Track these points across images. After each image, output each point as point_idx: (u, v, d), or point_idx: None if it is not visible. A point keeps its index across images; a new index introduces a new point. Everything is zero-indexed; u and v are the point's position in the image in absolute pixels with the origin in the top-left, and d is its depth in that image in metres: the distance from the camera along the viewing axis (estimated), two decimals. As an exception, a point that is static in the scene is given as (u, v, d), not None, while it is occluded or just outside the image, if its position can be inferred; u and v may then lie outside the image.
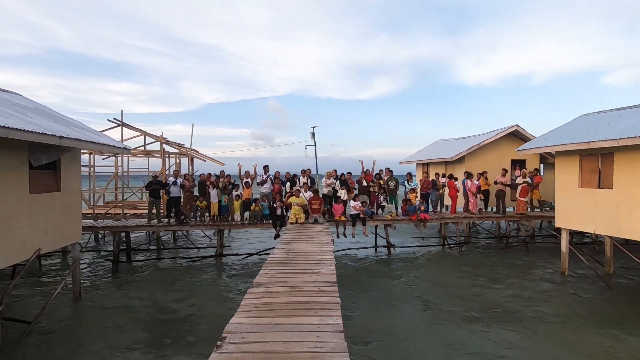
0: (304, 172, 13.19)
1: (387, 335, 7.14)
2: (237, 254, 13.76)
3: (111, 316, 8.16)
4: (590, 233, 12.50)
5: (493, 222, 17.95)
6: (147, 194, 12.91)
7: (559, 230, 11.69)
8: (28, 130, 6.07)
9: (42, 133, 6.39)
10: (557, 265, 11.62)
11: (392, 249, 13.65)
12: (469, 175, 14.25)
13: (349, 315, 7.85)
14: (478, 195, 14.00)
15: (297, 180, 13.01)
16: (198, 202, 12.35)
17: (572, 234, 12.14)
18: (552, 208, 16.25)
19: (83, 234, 10.56)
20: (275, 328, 3.98)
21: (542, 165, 18.27)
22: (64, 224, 8.57)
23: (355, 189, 13.40)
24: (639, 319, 7.84)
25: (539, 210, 15.65)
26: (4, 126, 5.54)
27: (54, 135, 6.70)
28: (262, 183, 12.99)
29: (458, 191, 14.27)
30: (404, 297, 9.47)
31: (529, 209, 14.97)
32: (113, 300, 9.22)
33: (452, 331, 7.33)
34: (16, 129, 5.81)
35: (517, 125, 16.57)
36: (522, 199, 13.89)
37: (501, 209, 14.17)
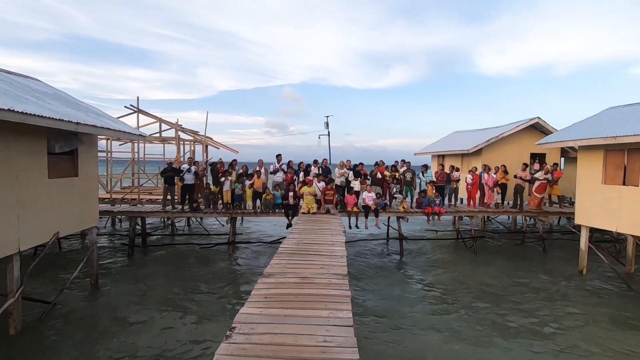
0: (316, 162, 13.09)
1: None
2: (249, 242, 13.89)
3: (126, 299, 8.39)
4: (611, 231, 12.08)
5: (509, 216, 17.55)
6: (162, 180, 13.08)
7: (578, 227, 11.33)
8: (45, 117, 6.15)
9: (59, 119, 6.47)
10: (575, 263, 11.31)
11: (404, 241, 13.51)
12: (486, 168, 13.91)
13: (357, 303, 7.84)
14: (495, 189, 13.67)
15: (310, 170, 12.93)
16: (213, 187, 12.45)
17: (592, 231, 11.75)
18: (572, 204, 15.76)
19: (100, 218, 10.81)
20: (285, 320, 3.97)
21: (562, 159, 17.68)
22: (82, 208, 8.76)
23: (369, 180, 13.26)
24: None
25: (557, 205, 15.17)
26: (22, 112, 5.62)
27: (71, 121, 6.78)
28: (275, 172, 12.98)
29: (470, 185, 13.93)
30: (413, 290, 9.39)
31: (546, 204, 14.54)
32: (128, 283, 9.47)
33: (464, 331, 7.24)
34: (34, 114, 5.89)
35: (539, 117, 15.98)
36: (537, 194, 13.49)
37: (518, 204, 13.81)
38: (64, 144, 7.52)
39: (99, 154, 11.58)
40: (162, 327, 7.05)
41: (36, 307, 7.55)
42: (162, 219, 17.31)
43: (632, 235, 9.97)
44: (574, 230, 14.97)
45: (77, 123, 7.00)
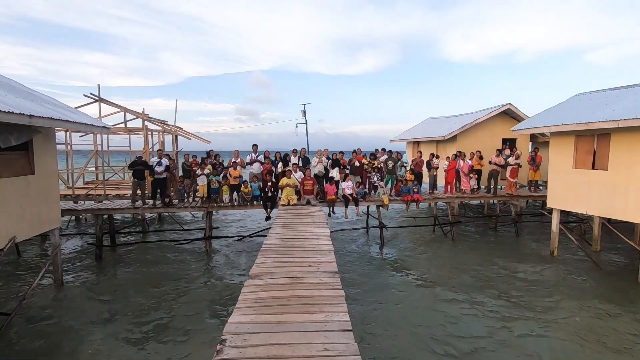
0: (294, 151, 12.71)
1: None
2: (227, 237, 13.42)
3: (95, 305, 7.81)
4: (576, 213, 12.65)
5: (481, 201, 18.05)
6: (131, 174, 12.27)
7: (546, 209, 11.75)
8: (-8, 109, 5.41)
9: (9, 112, 5.73)
10: (547, 244, 11.79)
11: (384, 229, 13.54)
12: (460, 154, 14.11)
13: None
14: (471, 175, 13.92)
15: (289, 159, 12.55)
16: (186, 181, 11.86)
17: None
18: (539, 187, 16.39)
19: (63, 217, 9.97)
20: (279, 327, 3.72)
21: (530, 144, 18.29)
22: (41, 209, 7.99)
23: (347, 169, 13.10)
24: (626, 297, 8.02)
25: (526, 188, 15.72)
26: (-38, 104, 4.89)
27: (23, 114, 6.04)
28: (252, 163, 12.50)
29: (447, 170, 14.13)
30: (398, 279, 9.42)
31: (518, 187, 15.02)
32: (97, 287, 8.83)
33: (446, 308, 7.31)
34: (-23, 107, 5.16)
35: (510, 103, 16.35)
36: (511, 179, 13.90)
37: (492, 189, 14.17)
38: (11, 137, 6.66)
39: (58, 147, 10.62)
40: (137, 344, 6.33)
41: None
42: (133, 215, 16.38)
43: (600, 217, 10.44)
44: (542, 212, 15.63)
45: (31, 116, 6.25)
